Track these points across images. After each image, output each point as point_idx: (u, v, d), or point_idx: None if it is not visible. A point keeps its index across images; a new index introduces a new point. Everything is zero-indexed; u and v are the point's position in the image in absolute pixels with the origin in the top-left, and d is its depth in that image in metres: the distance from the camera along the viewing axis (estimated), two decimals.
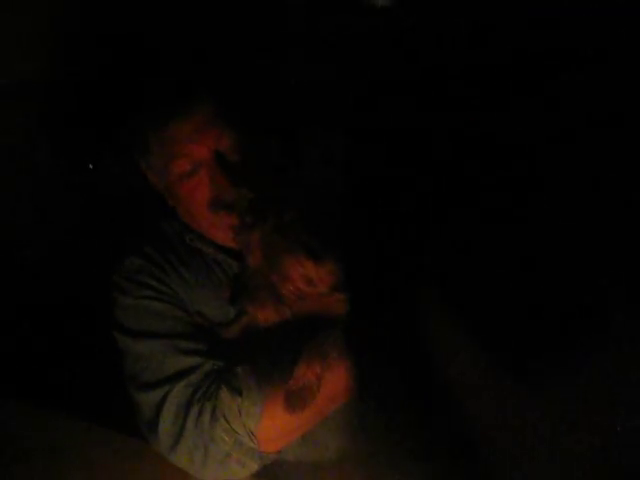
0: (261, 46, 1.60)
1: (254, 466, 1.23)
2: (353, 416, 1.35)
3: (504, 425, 1.33)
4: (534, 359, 1.32)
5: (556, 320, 1.33)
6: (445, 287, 1.39)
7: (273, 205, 1.20)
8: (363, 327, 1.23)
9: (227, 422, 1.19)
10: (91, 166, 3.00)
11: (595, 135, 1.40)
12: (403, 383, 1.29)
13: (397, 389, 1.29)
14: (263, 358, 1.23)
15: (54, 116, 3.05)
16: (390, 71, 1.63)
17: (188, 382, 1.24)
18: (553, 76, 1.47)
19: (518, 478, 1.31)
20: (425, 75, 1.58)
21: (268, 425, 1.19)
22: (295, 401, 1.16)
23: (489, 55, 1.52)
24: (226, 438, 1.20)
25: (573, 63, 1.43)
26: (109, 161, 2.94)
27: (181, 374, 1.24)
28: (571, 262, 1.36)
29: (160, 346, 1.26)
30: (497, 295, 1.36)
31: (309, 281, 1.18)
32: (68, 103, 3.05)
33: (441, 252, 1.43)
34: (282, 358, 1.21)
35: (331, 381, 1.20)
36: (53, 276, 2.89)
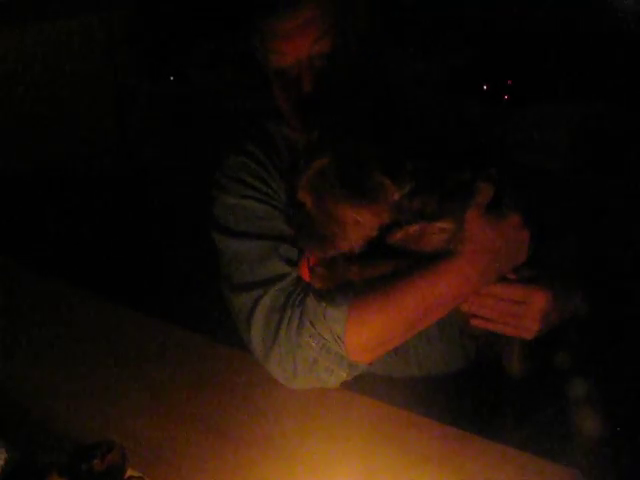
0: None
1: (342, 375, 1.21)
2: (452, 337, 1.32)
3: None
4: None
5: None
6: None
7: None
8: None
9: (313, 327, 1.18)
10: (172, 78, 3.00)
11: None
12: None
13: None
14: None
15: (136, 32, 3.06)
16: None
17: (280, 288, 1.22)
18: None
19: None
20: None
21: (356, 330, 1.17)
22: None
23: None
24: (313, 343, 1.18)
25: None
26: (191, 73, 2.93)
27: (274, 279, 1.23)
28: None
29: (257, 248, 1.25)
30: None
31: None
32: (151, 18, 3.05)
33: None
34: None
35: (430, 284, 1.16)
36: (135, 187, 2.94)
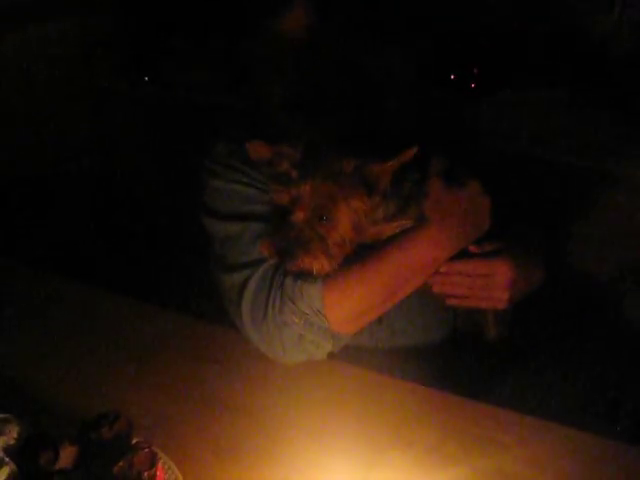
0: None
1: (328, 346, 1.27)
2: (432, 308, 1.38)
3: None
4: None
5: None
6: None
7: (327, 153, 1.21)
8: None
9: (293, 304, 1.24)
10: (147, 79, 3.03)
11: None
12: None
13: None
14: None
15: (114, 33, 3.08)
16: None
17: (266, 268, 1.28)
18: None
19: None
20: None
21: (335, 303, 1.23)
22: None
23: None
24: (296, 320, 1.24)
25: None
26: (167, 73, 2.97)
27: (262, 260, 1.28)
28: None
29: (248, 230, 1.30)
30: None
31: (359, 228, 1.20)
32: (128, 19, 3.07)
33: None
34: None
35: (403, 251, 1.23)
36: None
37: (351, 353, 1.33)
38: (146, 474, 0.95)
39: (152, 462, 0.96)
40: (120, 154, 3.05)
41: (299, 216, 1.18)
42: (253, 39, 1.36)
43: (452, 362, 1.41)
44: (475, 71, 2.84)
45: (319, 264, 1.18)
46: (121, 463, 0.95)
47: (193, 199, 1.43)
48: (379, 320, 1.32)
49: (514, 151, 2.31)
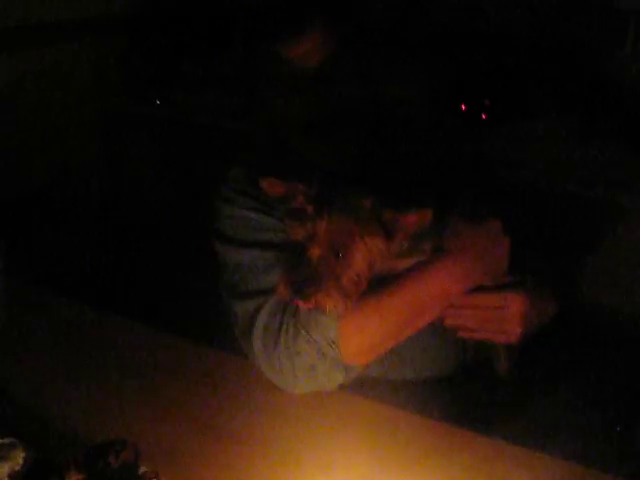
0: None
1: (339, 378, 1.26)
2: (444, 341, 1.36)
3: None
4: None
5: None
6: None
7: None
8: None
9: (307, 333, 1.22)
10: (158, 102, 3.05)
11: None
12: None
13: None
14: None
15: (125, 52, 3.11)
16: None
17: (280, 297, 1.25)
18: None
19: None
20: None
21: (349, 334, 1.22)
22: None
23: None
24: (309, 350, 1.23)
25: None
26: (179, 96, 2.98)
27: (274, 289, 1.25)
28: None
29: (261, 258, 1.29)
30: None
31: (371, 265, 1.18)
32: (140, 38, 3.10)
33: None
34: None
35: (419, 283, 1.22)
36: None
37: (359, 384, 1.31)
38: None
39: None
40: (130, 175, 3.05)
41: (314, 252, 1.15)
42: (266, 64, 1.35)
43: (463, 395, 1.38)
44: (486, 102, 2.85)
45: (333, 303, 1.15)
46: None
47: (204, 224, 1.42)
48: (390, 352, 1.30)
49: (525, 182, 2.30)
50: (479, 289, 1.25)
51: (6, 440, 1.02)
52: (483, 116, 2.83)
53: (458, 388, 1.40)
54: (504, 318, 1.24)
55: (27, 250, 2.24)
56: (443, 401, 1.35)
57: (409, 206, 1.16)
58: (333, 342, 1.22)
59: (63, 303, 1.60)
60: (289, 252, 1.21)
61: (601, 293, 1.98)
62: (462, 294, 1.23)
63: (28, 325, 1.49)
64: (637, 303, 2.04)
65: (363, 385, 1.33)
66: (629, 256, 2.12)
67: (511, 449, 1.17)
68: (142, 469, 0.99)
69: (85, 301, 1.58)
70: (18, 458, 0.99)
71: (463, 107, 2.86)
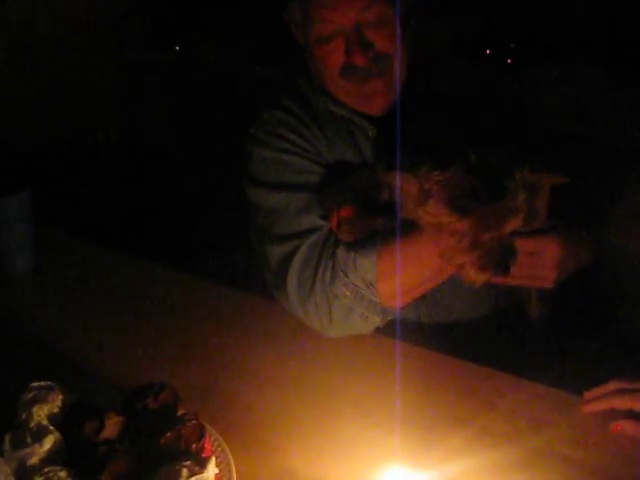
0: None
1: (376, 319, 1.25)
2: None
3: None
4: None
5: None
6: None
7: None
8: None
9: (346, 276, 1.21)
10: (177, 48, 3.01)
11: None
12: None
13: None
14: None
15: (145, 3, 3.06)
16: None
17: (314, 240, 1.25)
18: None
19: None
20: None
21: (386, 276, 1.20)
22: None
23: None
24: (347, 292, 1.22)
25: None
26: (199, 43, 2.94)
27: (310, 231, 1.26)
28: None
29: (295, 200, 1.27)
30: None
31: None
32: None
33: None
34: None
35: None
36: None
37: (393, 327, 1.30)
38: (194, 446, 0.92)
39: (200, 434, 0.94)
40: (151, 125, 3.03)
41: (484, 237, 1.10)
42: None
43: (497, 340, 1.37)
44: (512, 46, 2.79)
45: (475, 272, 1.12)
46: (169, 434, 0.92)
47: (231, 169, 1.40)
48: (424, 297, 1.30)
49: (555, 129, 2.26)
50: (514, 234, 1.22)
51: (44, 383, 1.01)
52: (509, 60, 2.77)
53: (491, 331, 1.39)
54: (539, 263, 1.21)
55: (51, 198, 2.23)
56: (477, 343, 1.34)
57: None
58: (371, 284, 1.21)
59: (97, 252, 1.60)
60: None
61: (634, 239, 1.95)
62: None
63: (65, 273, 1.50)
64: None
65: (399, 329, 1.32)
66: None
67: (549, 391, 1.17)
68: (181, 411, 0.98)
69: (118, 248, 1.57)
70: (57, 401, 0.98)
71: (488, 51, 2.80)
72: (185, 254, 1.90)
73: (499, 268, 1.12)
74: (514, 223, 1.09)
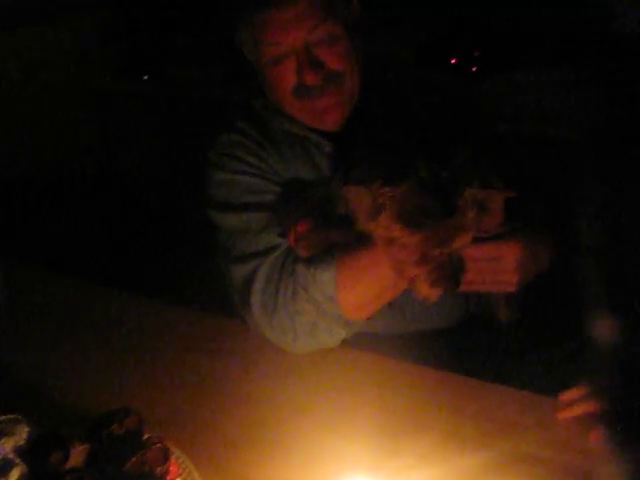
0: None
1: (342, 332, 1.26)
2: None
3: None
4: None
5: None
6: None
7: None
8: None
9: (306, 292, 1.22)
10: (145, 77, 3.03)
11: None
12: None
13: None
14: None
15: (110, 33, 3.08)
16: None
17: (275, 257, 1.26)
18: None
19: None
20: None
21: (346, 289, 1.21)
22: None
23: None
24: (309, 308, 1.23)
25: None
26: (166, 70, 2.96)
27: (271, 249, 1.27)
28: None
29: (254, 220, 1.28)
30: None
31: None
32: (129, 14, 3.06)
33: None
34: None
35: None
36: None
37: (363, 340, 1.32)
38: (159, 470, 0.93)
39: (165, 457, 0.94)
40: (122, 152, 3.04)
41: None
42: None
43: (466, 346, 1.38)
44: (476, 54, 2.82)
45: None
46: (133, 459, 0.93)
47: (197, 193, 1.41)
48: (390, 305, 1.30)
49: (517, 133, 2.28)
50: (474, 241, 1.23)
51: (9, 416, 1.02)
52: (473, 68, 2.79)
53: (463, 338, 1.40)
54: (500, 269, 1.22)
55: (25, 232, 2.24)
56: (448, 352, 1.35)
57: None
58: (332, 297, 1.21)
59: (60, 281, 1.60)
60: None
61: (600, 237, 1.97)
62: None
63: (27, 304, 1.50)
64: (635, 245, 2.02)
65: (365, 340, 1.33)
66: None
67: (515, 394, 1.18)
68: (146, 435, 0.99)
69: (82, 276, 1.57)
70: (22, 433, 0.99)
71: (453, 60, 2.83)
72: (153, 279, 1.91)
73: (450, 282, 1.13)
74: (464, 239, 1.10)
